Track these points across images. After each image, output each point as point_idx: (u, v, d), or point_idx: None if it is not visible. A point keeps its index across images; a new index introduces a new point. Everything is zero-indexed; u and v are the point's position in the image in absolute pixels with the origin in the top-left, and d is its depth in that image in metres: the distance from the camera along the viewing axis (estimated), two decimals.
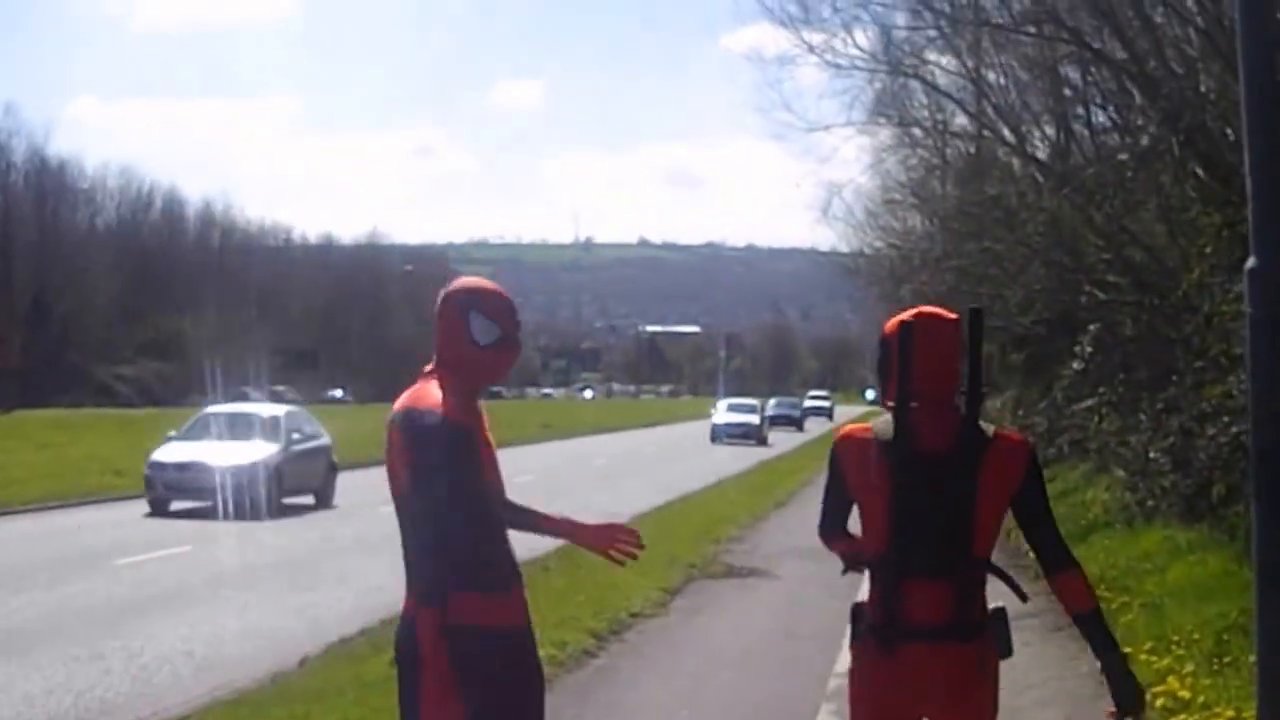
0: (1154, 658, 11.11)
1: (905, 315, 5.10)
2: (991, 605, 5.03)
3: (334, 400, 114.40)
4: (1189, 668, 10.59)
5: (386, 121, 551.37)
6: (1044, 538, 5.03)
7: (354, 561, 20.69)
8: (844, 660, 12.44)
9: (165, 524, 26.41)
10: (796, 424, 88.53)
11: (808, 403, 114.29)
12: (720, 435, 65.36)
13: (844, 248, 44.65)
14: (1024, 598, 5.49)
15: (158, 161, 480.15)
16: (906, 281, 32.85)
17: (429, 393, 5.15)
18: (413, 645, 5.11)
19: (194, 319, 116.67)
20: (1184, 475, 17.34)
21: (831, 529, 5.29)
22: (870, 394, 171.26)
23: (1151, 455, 18.67)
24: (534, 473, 34.30)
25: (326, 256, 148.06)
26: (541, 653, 10.16)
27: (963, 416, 5.04)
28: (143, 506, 29.00)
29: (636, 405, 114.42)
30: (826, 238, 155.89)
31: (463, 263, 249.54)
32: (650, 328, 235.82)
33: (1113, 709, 5.06)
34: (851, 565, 5.23)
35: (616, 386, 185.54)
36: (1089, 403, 25.71)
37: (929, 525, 4.89)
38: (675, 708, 11.00)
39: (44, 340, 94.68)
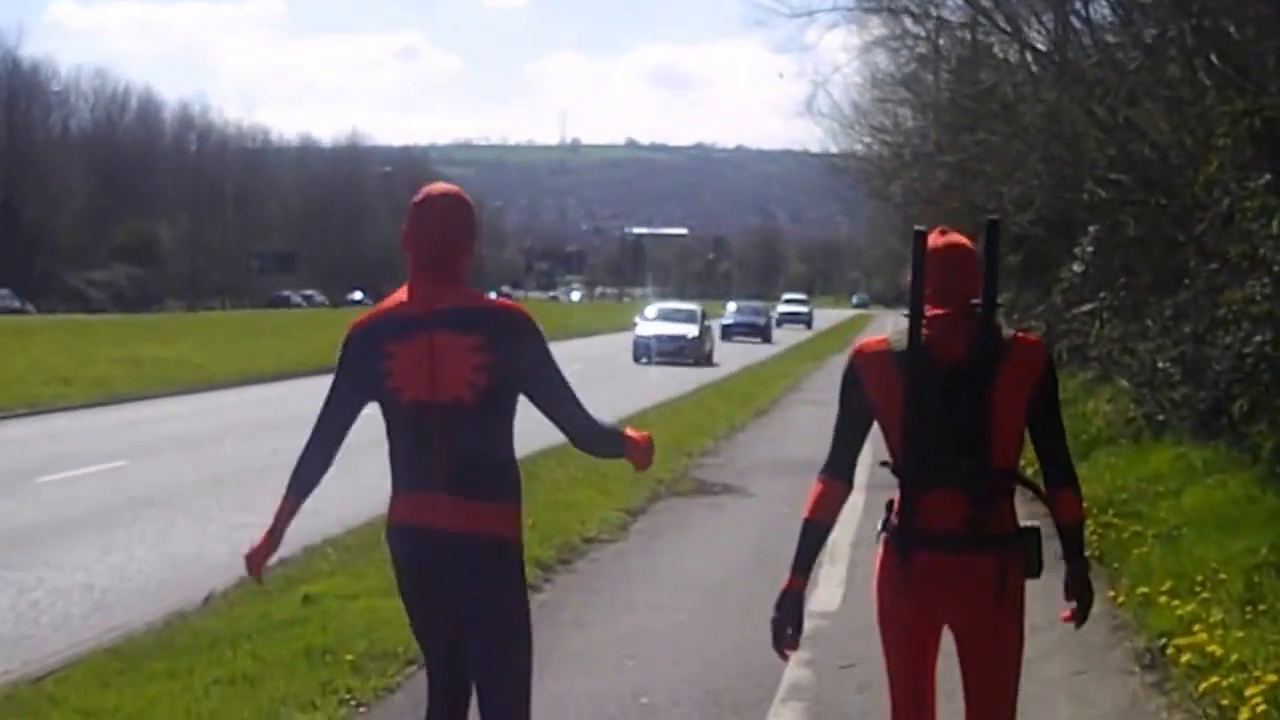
0: (1176, 601, 9.64)
1: (930, 235, 5.03)
2: (1025, 523, 4.91)
3: (355, 303, 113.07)
4: (1217, 615, 9.12)
5: (370, 24, 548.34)
6: (1051, 448, 4.97)
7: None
8: (821, 597, 11.11)
9: (107, 436, 24.94)
10: (761, 334, 70.54)
11: (782, 308, 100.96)
12: (644, 353, 48.74)
13: (834, 148, 42.90)
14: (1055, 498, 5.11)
15: (136, 64, 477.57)
16: (897, 178, 31.38)
17: (483, 296, 5.35)
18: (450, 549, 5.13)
19: (168, 222, 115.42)
20: (1197, 387, 15.89)
21: (838, 469, 5.05)
22: (857, 298, 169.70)
23: (1160, 365, 17.20)
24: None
25: (305, 159, 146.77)
26: None
27: (979, 324, 4.90)
28: (90, 417, 27.52)
29: (620, 308, 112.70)
30: (816, 137, 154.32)
31: (445, 164, 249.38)
32: (637, 230, 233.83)
33: (1067, 613, 5.15)
34: (809, 543, 5.09)
35: (599, 290, 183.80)
36: (1089, 307, 24.44)
37: (943, 435, 4.81)
38: (619, 656, 9.52)
39: (13, 246, 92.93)
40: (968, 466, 4.81)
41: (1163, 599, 9.73)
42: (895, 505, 4.98)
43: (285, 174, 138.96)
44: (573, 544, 13.20)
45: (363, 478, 18.39)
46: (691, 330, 50.37)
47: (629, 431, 5.47)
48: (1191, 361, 16.22)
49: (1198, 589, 9.85)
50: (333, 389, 5.45)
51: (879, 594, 5.05)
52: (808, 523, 5.06)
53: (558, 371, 5.30)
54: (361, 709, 8.22)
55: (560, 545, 12.95)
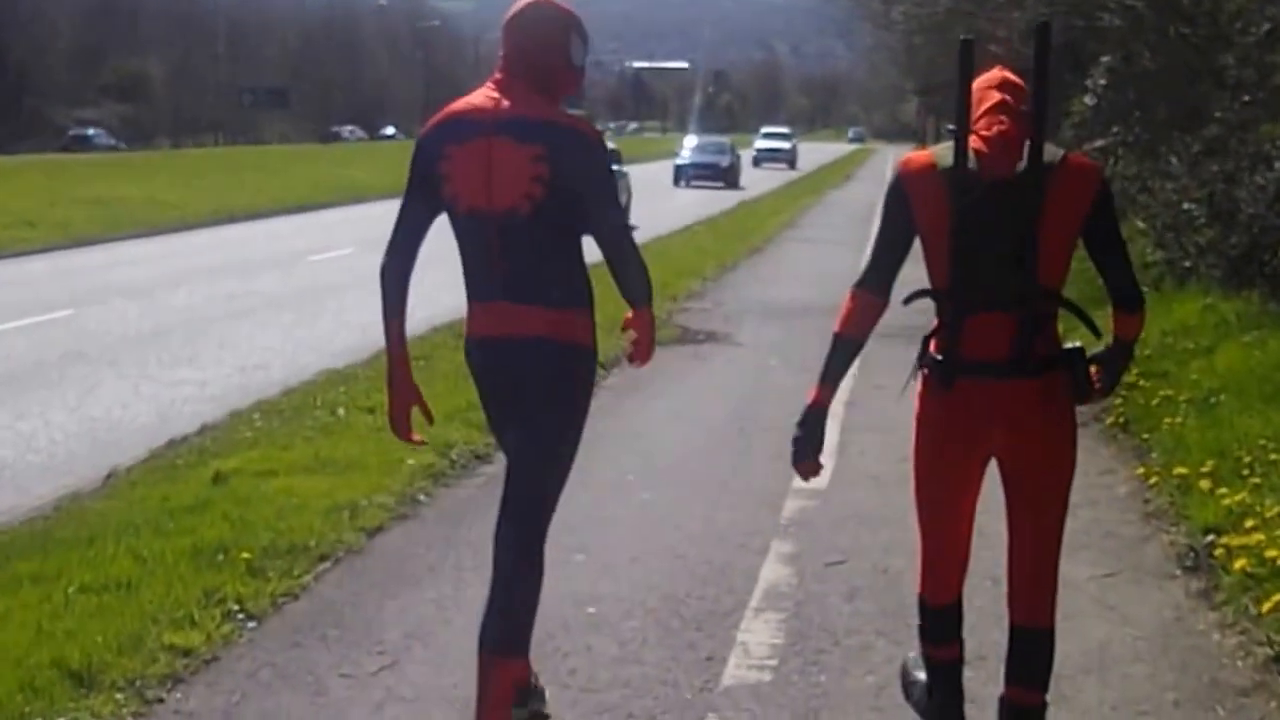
0: (1222, 489, 8.20)
1: (984, 76, 4.86)
2: (1068, 344, 4.79)
3: (387, 137, 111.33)
4: (1274, 508, 7.65)
5: None
6: (1115, 269, 4.85)
7: (246, 326, 17.81)
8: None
9: (57, 282, 23.48)
10: (723, 177, 58.92)
11: (759, 143, 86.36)
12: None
13: None
14: (1098, 334, 5.06)
15: None
16: (898, 2, 29.65)
17: (551, 107, 5.15)
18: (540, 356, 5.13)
19: (158, 59, 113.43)
20: (1226, 231, 14.40)
21: (876, 282, 4.82)
22: (853, 133, 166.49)
23: (1186, 206, 15.70)
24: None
25: None
26: (422, 459, 9.43)
27: (1029, 138, 4.67)
28: (47, 261, 26.03)
29: (644, 141, 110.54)
30: None
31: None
32: (637, 64, 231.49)
33: (1098, 383, 4.98)
34: (840, 356, 4.89)
35: (612, 124, 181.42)
36: (1101, 143, 22.98)
37: (991, 256, 4.65)
38: (567, 550, 8.11)
39: (0, 87, 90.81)
40: (1016, 288, 4.65)
41: (1204, 483, 8.32)
42: (935, 336, 4.82)
43: (278, 8, 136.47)
44: None
45: (319, 327, 16.79)
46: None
47: (645, 311, 5.42)
48: (1221, 202, 14.74)
49: (1246, 472, 8.43)
50: (404, 195, 5.28)
51: (919, 433, 4.89)
52: (838, 336, 4.87)
53: (612, 190, 5.24)
54: (251, 623, 6.79)
55: None
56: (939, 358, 4.77)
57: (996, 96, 4.75)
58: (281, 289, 21.42)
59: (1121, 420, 10.73)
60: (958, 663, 5.13)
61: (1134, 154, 21.84)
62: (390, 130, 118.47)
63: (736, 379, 13.60)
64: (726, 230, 31.43)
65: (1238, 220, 14.04)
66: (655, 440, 10.85)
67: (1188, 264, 15.17)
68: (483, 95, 5.15)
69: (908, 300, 4.88)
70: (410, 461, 9.60)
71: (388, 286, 5.31)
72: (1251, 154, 14.49)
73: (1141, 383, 11.25)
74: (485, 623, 5.23)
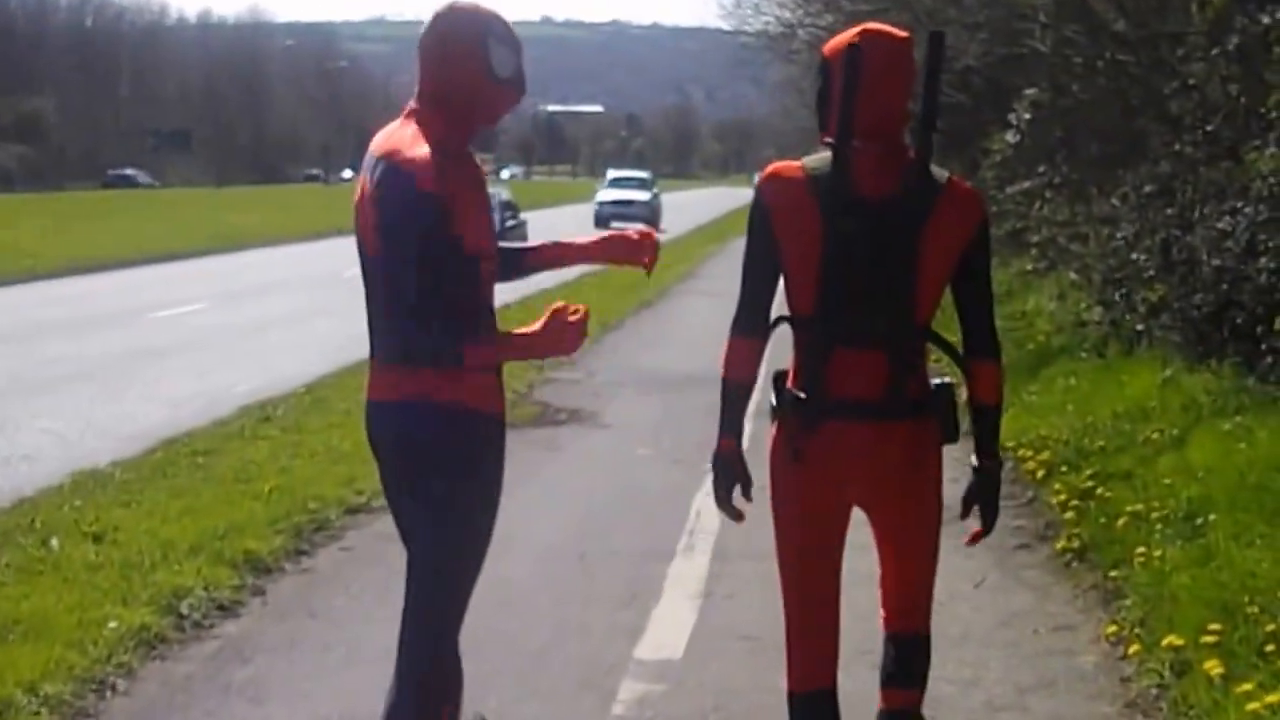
0: (1244, 684, 5.59)
1: (850, 34, 4.33)
2: (935, 381, 4.42)
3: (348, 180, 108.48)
4: None
5: None
6: (978, 313, 4.44)
7: (45, 400, 15.09)
8: (662, 629, 7.22)
9: None
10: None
11: (604, 193, 61.98)
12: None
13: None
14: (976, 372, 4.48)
15: None
16: (803, 27, 27.43)
17: (411, 144, 4.33)
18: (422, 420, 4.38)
19: (59, 100, 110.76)
20: (1185, 287, 11.98)
21: (749, 323, 4.41)
22: (758, 178, 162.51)
23: (1133, 256, 13.31)
24: None
25: (205, 35, 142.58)
26: (134, 617, 7.16)
27: (912, 158, 4.34)
28: None
29: (529, 186, 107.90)
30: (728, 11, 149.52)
31: (357, 40, 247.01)
32: (551, 107, 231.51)
33: (977, 529, 4.54)
34: (733, 402, 4.47)
35: (506, 171, 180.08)
36: (1026, 185, 20.77)
37: (865, 283, 4.28)
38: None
39: None
40: (890, 322, 4.30)
41: (1212, 665, 5.78)
42: (793, 372, 4.44)
43: (183, 50, 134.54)
44: (320, 517, 9.35)
45: (122, 403, 14.04)
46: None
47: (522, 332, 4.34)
48: (1177, 252, 12.35)
49: (1269, 647, 5.90)
50: None
51: (775, 481, 4.46)
52: (726, 380, 4.46)
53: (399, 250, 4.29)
54: None
55: (309, 516, 9.23)
56: (801, 396, 4.37)
57: (884, 81, 4.26)
58: (106, 351, 18.72)
59: (1076, 545, 8.21)
60: None
61: (1063, 197, 19.63)
62: (348, 174, 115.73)
63: (592, 478, 10.94)
64: (618, 282, 28.49)
65: (1199, 274, 11.63)
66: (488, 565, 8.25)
67: (1138, 326, 12.73)
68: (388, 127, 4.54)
69: (782, 320, 4.43)
70: (113, 625, 6.95)
71: None
72: (1213, 195, 12.11)
73: (1099, 490, 8.77)
74: None
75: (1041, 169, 20.30)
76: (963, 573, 6.87)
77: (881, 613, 4.56)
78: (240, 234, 44.97)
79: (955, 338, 4.48)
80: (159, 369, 17.42)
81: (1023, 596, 7.62)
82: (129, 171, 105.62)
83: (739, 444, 4.47)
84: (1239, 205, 11.61)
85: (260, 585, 7.96)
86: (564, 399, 14.41)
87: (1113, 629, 6.80)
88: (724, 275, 33.57)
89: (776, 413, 4.44)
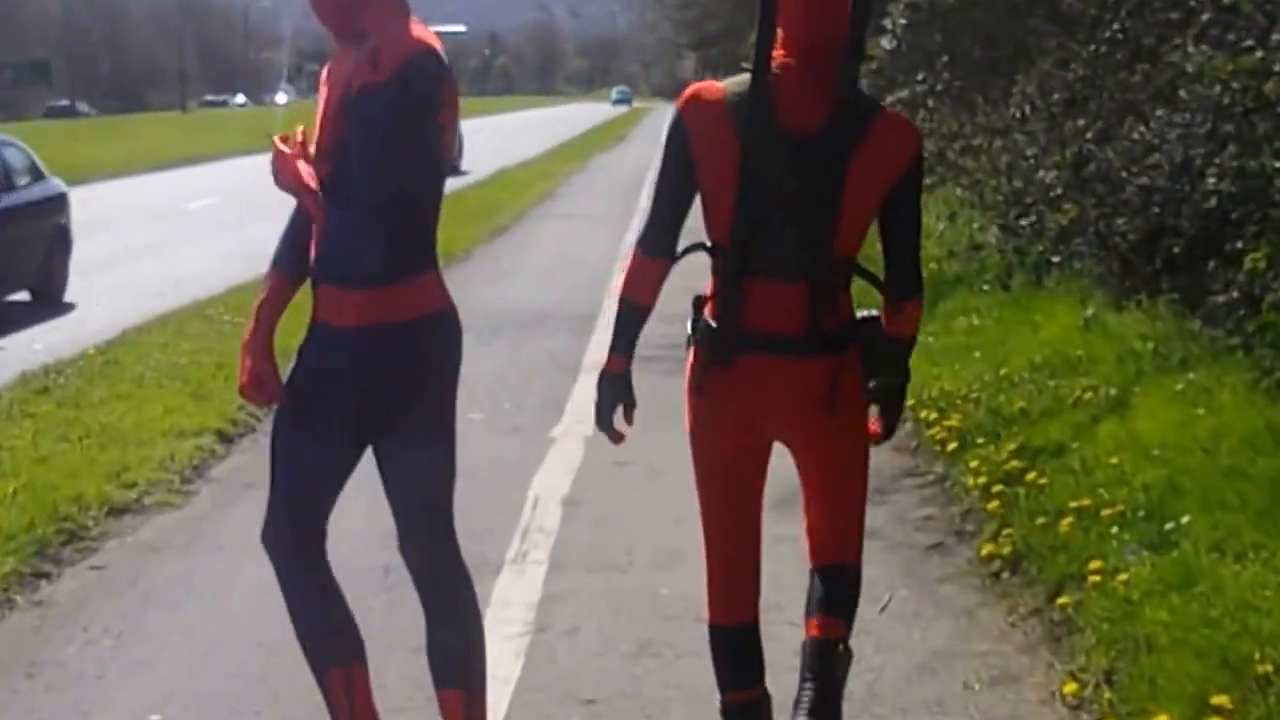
0: None
1: None
2: (861, 313, 4.18)
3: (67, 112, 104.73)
4: None
5: None
6: (905, 247, 4.18)
7: None
8: None
9: None
10: None
11: None
12: None
13: None
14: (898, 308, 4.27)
15: None
16: None
17: (416, 28, 4.11)
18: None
19: None
20: (1107, 211, 10.28)
21: (654, 240, 4.19)
22: (617, 93, 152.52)
23: (1040, 174, 11.59)
24: (218, 194, 30.28)
25: None
26: None
27: (839, 83, 4.02)
28: None
29: None
30: None
31: None
32: None
33: (878, 429, 4.34)
34: (626, 324, 4.26)
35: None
36: (904, 94, 19.01)
37: (783, 213, 4.02)
38: None
39: None
40: (810, 255, 4.05)
41: None
42: (710, 301, 4.19)
43: None
44: (77, 529, 7.44)
45: None
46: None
47: None
48: (1094, 171, 10.65)
49: None
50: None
51: (691, 412, 4.25)
52: (623, 301, 4.25)
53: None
54: None
55: (50, 535, 7.23)
56: (714, 325, 4.11)
57: (809, 6, 4.00)
58: None
59: (1006, 550, 6.42)
60: (763, 705, 4.31)
61: (947, 107, 17.94)
62: (84, 106, 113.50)
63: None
64: (472, 206, 26.35)
65: (1121, 195, 9.92)
66: (243, 605, 6.36)
67: (1050, 255, 10.99)
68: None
69: (680, 254, 4.18)
70: None
71: (284, 236, 4.35)
72: (1131, 103, 10.43)
73: (1029, 474, 7.02)
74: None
75: (921, 76, 18.60)
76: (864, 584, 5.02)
77: (808, 545, 4.32)
78: (94, 165, 42.28)
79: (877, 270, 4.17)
80: None
81: (944, 626, 5.83)
82: (65, 103, 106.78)
83: (629, 364, 4.28)
84: (1168, 115, 9.94)
85: None
86: None
87: (1071, 687, 5.05)
88: (585, 195, 31.82)
89: (691, 340, 4.25)
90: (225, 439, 9.37)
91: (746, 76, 4.07)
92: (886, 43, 19.55)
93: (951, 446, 7.94)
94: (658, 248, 4.17)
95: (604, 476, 8.03)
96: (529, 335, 12.77)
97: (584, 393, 10.46)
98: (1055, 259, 10.76)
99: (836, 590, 4.28)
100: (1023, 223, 11.50)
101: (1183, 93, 9.92)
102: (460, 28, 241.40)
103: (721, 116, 4.05)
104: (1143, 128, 10.47)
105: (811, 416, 4.13)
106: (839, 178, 3.99)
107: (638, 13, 69.78)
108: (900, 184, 4.06)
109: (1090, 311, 9.61)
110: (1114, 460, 6.83)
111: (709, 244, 4.14)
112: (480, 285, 16.24)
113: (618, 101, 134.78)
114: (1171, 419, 7.23)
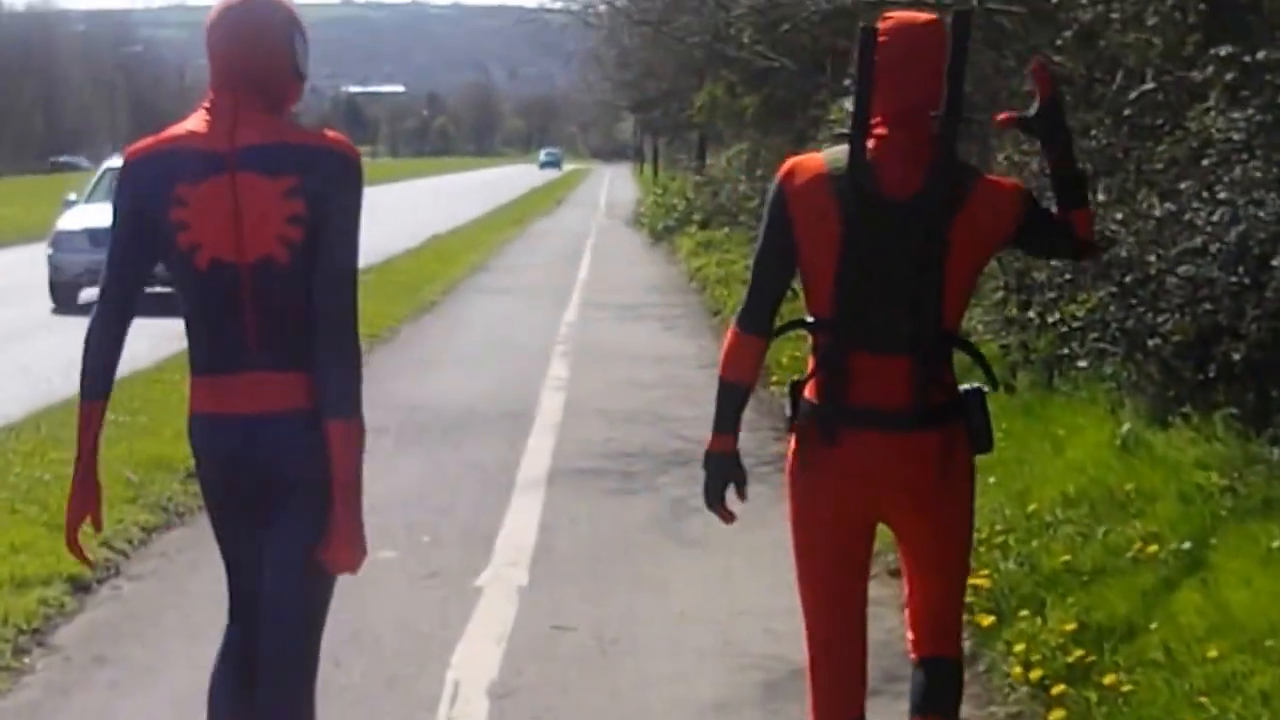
0: None
1: (882, 24, 4.10)
2: (964, 386, 4.12)
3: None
4: None
5: None
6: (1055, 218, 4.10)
7: None
8: None
9: None
10: None
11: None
12: None
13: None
14: (995, 381, 4.40)
15: None
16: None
17: (316, 129, 4.18)
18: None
19: None
20: (1129, 300, 8.70)
21: (755, 317, 4.13)
22: (546, 155, 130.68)
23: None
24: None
25: None
26: None
27: (939, 150, 4.00)
28: None
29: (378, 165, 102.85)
30: None
31: (155, 26, 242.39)
32: (352, 88, 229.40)
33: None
34: (729, 402, 4.21)
35: None
36: None
37: (887, 286, 3.98)
38: None
39: None
40: (916, 327, 3.99)
41: None
42: (813, 379, 4.15)
43: None
44: None
45: None
46: None
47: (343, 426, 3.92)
48: (1124, 252, 9.08)
49: None
50: (114, 244, 4.12)
51: (794, 496, 4.18)
52: (724, 381, 4.21)
53: (356, 232, 4.08)
54: None
55: None
56: (819, 404, 4.09)
57: (907, 69, 3.97)
58: None
59: None
60: None
61: None
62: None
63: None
64: (399, 278, 24.55)
65: (1159, 285, 8.34)
66: None
67: (1059, 350, 9.36)
68: (201, 121, 4.06)
69: (780, 331, 4.20)
70: None
71: (94, 359, 4.15)
72: (1165, 178, 8.88)
73: (1099, 669, 5.32)
74: None
75: None
76: None
77: (910, 636, 4.27)
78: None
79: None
80: None
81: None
82: (65, 159, 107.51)
83: (735, 443, 4.19)
84: (1197, 187, 8.41)
85: None
86: None
87: None
88: (523, 267, 29.94)
89: (792, 423, 4.19)
90: (80, 587, 7.65)
91: (844, 147, 4.01)
92: (849, 104, 18.17)
93: (986, 621, 6.19)
94: (757, 325, 4.12)
95: (541, 649, 6.36)
96: (454, 441, 11.04)
97: (516, 520, 8.83)
98: (1075, 357, 9.14)
99: (941, 689, 4.19)
100: (1030, 314, 9.89)
101: (1235, 170, 8.39)
102: (399, 88, 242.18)
103: (821, 187, 4.02)
104: (1169, 204, 8.94)
105: (917, 492, 4.05)
106: (941, 241, 3.93)
107: (577, 73, 68.72)
108: (1023, 226, 4.03)
109: (1126, 427, 7.98)
110: (1211, 652, 5.18)
111: (810, 319, 4.08)
112: (400, 376, 14.49)
113: (546, 164, 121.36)
114: (1271, 588, 5.60)
